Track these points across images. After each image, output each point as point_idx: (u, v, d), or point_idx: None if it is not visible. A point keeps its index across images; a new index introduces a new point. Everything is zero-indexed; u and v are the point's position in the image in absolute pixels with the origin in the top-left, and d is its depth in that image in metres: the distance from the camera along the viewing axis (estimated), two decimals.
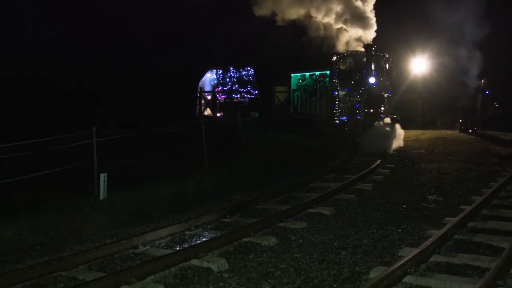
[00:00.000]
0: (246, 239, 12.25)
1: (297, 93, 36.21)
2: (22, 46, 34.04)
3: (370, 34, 31.75)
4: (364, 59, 30.35)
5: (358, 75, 30.82)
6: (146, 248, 11.98)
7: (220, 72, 45.08)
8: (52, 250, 12.29)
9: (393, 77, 33.18)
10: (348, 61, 32.18)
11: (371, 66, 29.64)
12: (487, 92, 35.88)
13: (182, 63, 37.34)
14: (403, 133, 29.22)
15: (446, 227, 12.06)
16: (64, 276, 10.30)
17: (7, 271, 10.43)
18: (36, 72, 33.89)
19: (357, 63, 31.64)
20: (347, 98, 31.60)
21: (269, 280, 9.77)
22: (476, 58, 32.92)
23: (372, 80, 29.50)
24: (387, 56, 32.50)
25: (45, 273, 10.29)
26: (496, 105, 37.05)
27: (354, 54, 32.07)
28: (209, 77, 45.95)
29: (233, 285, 9.60)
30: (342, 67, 32.12)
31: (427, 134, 32.77)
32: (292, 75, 36.25)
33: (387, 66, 32.40)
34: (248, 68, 43.42)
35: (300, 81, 35.63)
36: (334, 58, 32.18)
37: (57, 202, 14.93)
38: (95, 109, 33.74)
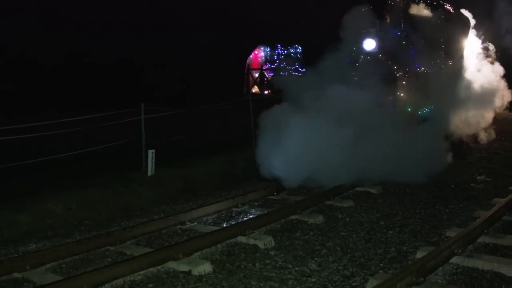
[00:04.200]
0: (293, 217, 12.29)
1: None
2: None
3: None
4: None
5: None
6: (193, 224, 12.09)
7: (268, 49, 44.92)
8: (100, 225, 12.45)
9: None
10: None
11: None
12: None
13: (229, 40, 37.38)
14: None
15: (495, 208, 11.93)
16: (112, 251, 10.46)
17: (56, 245, 10.63)
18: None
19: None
20: None
21: (315, 258, 9.78)
22: None
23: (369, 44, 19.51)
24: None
25: (93, 247, 10.48)
26: None
27: None
28: (257, 54, 45.83)
29: (279, 263, 9.63)
30: None
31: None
32: None
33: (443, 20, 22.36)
34: (296, 45, 43.20)
35: None
36: None
37: (105, 178, 15.08)
38: (144, 86, 34.13)
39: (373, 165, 14.83)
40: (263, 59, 45.55)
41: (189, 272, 9.13)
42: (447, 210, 12.78)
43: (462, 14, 24.93)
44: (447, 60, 22.17)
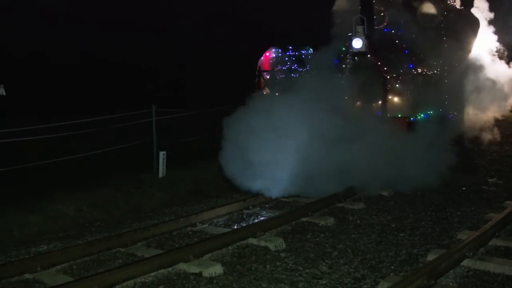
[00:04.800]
0: (304, 219, 12.29)
1: None
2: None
3: None
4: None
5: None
6: (204, 226, 12.11)
7: (279, 51, 44.80)
8: (111, 226, 12.48)
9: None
10: None
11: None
12: None
13: (239, 42, 37.43)
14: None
15: (506, 211, 11.92)
16: (123, 252, 10.48)
17: (67, 246, 10.67)
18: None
19: None
20: None
21: (326, 261, 9.78)
22: None
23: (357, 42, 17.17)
24: None
25: (104, 249, 10.51)
26: None
27: None
28: (268, 56, 45.72)
29: (290, 265, 9.63)
30: None
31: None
32: None
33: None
34: (308, 47, 43.09)
35: None
36: None
37: (116, 180, 15.12)
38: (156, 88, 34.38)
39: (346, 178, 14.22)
40: (274, 61, 45.44)
41: (199, 274, 9.13)
42: (458, 213, 12.74)
43: (470, 13, 23.97)
44: (451, 60, 20.36)
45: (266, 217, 12.62)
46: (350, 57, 17.49)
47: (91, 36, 36.93)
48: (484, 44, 25.57)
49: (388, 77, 17.80)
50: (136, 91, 32.86)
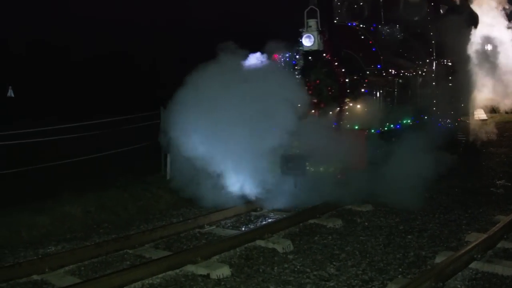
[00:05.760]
0: (311, 221, 12.27)
1: None
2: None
3: None
4: None
5: None
6: (211, 228, 12.11)
7: (287, 53, 44.78)
8: (119, 228, 12.48)
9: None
10: None
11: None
12: None
13: (248, 43, 37.47)
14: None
15: None
16: (131, 254, 10.49)
17: (75, 248, 10.68)
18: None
19: None
20: None
21: (334, 263, 9.77)
22: None
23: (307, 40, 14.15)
24: None
25: (112, 250, 10.52)
26: None
27: None
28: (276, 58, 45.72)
29: (298, 267, 9.63)
30: None
31: (495, 117, 32.05)
32: None
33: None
34: None
35: None
36: None
37: (124, 181, 15.15)
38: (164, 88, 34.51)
39: None
40: (282, 63, 45.41)
41: (207, 276, 9.14)
42: (467, 215, 12.71)
43: (468, 7, 21.47)
44: (438, 60, 17.92)
45: (274, 219, 12.60)
46: (301, 56, 14.46)
47: (101, 35, 37.05)
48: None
49: (347, 80, 14.39)
50: (148, 92, 32.87)
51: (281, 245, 10.50)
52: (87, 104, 30.22)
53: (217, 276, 9.11)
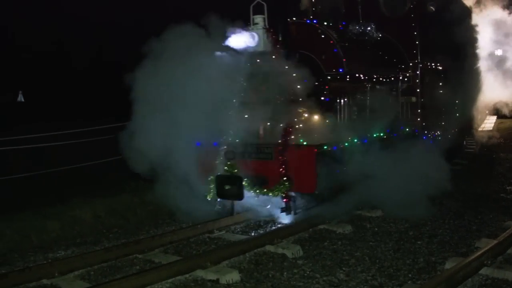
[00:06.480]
0: (321, 226, 12.25)
1: None
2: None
3: None
4: None
5: None
6: (221, 233, 12.11)
7: None
8: (129, 232, 12.51)
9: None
10: None
11: None
12: None
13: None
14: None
15: None
16: (140, 258, 10.49)
17: (85, 252, 10.70)
18: None
19: None
20: None
21: (344, 268, 9.75)
22: None
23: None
24: None
25: (121, 255, 10.52)
26: None
27: None
28: None
29: (308, 272, 9.60)
30: None
31: (506, 123, 31.99)
32: None
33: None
34: None
35: None
36: None
37: (133, 186, 15.16)
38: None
39: None
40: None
41: (217, 281, 9.13)
42: (477, 221, 12.68)
43: (458, 1, 19.49)
44: (424, 63, 16.18)
45: (284, 224, 12.58)
46: (246, 59, 12.45)
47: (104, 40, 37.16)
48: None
49: (299, 86, 12.32)
50: None
51: (291, 250, 10.49)
52: (97, 107, 30.28)
53: (226, 281, 9.10)
